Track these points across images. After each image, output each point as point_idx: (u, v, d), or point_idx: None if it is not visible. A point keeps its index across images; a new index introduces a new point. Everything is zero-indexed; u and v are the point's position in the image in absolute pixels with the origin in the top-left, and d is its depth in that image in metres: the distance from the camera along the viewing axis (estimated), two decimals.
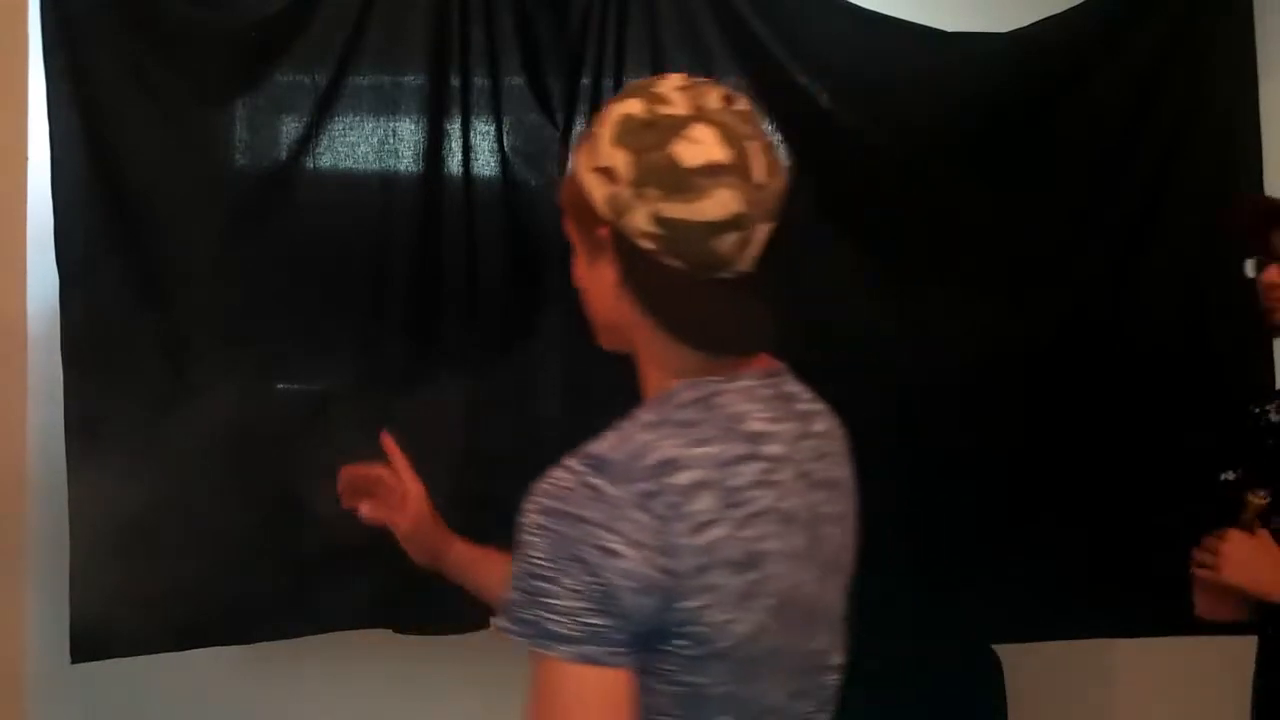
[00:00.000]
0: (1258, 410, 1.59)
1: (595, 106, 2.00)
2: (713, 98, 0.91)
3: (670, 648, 0.85)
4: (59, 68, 1.87)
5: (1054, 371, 2.01)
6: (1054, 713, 2.29)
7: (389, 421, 1.94)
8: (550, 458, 2.10)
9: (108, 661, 1.90)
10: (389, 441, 1.27)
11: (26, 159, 1.86)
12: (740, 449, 0.89)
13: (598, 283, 0.96)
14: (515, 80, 2.00)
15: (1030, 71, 2.02)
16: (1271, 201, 1.48)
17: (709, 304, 0.91)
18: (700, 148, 0.87)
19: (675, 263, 0.89)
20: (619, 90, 1.99)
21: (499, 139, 2.01)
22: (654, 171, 0.87)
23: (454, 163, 2.00)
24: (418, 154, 1.99)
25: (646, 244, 0.89)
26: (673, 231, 0.88)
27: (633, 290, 0.93)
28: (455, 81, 1.98)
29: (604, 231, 0.91)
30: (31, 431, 1.84)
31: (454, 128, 1.99)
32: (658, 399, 0.95)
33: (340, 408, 1.94)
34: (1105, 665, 2.33)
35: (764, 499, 0.89)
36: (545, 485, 0.86)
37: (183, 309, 1.91)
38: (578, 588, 0.81)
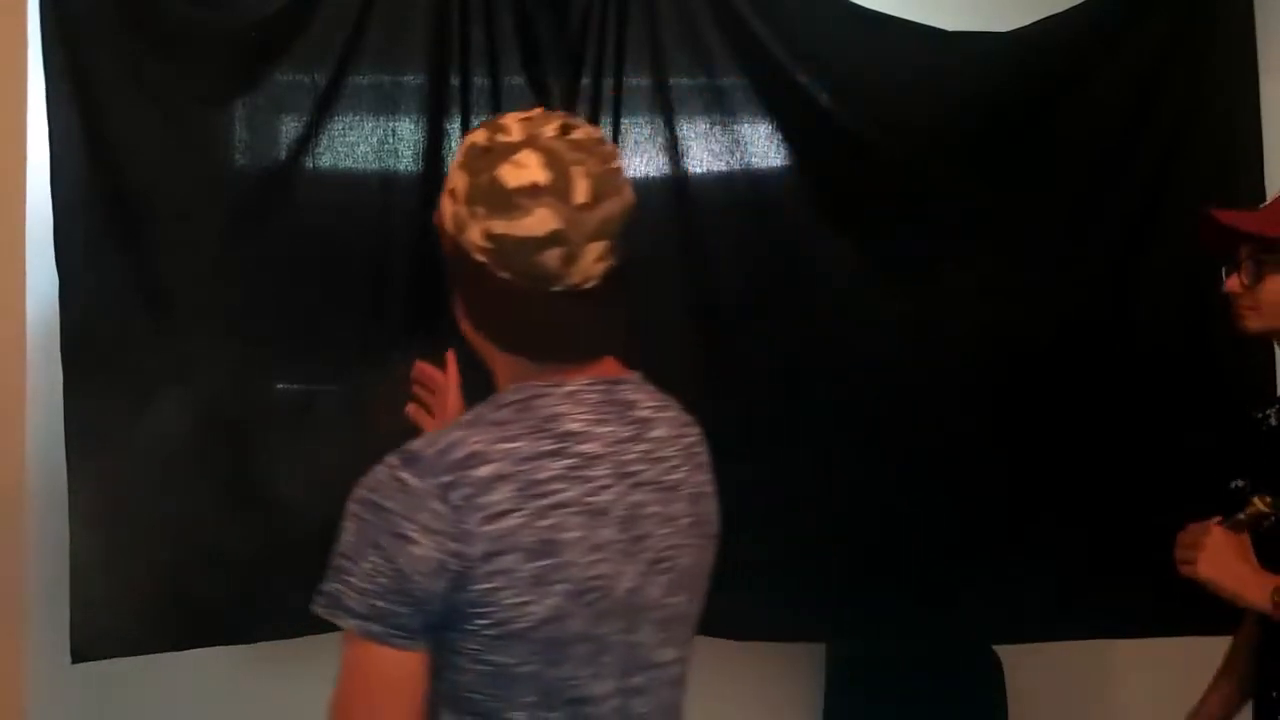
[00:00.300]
0: (1259, 415, 1.58)
1: (595, 106, 2.01)
2: (549, 127, 1.00)
3: (472, 628, 0.93)
4: (58, 67, 1.87)
5: (1054, 371, 2.01)
6: (1054, 713, 2.30)
7: (388, 419, 1.96)
8: None
9: (108, 661, 1.90)
10: (452, 357, 1.31)
11: (26, 159, 1.85)
12: (548, 446, 0.97)
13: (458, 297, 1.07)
14: (515, 80, 2.00)
15: (1031, 71, 2.02)
16: (1232, 218, 1.50)
17: (537, 315, 1.00)
18: (524, 171, 0.96)
19: (506, 275, 0.98)
20: (619, 89, 2.02)
21: None
22: (483, 191, 0.97)
23: None
24: (417, 154, 1.98)
25: (480, 257, 0.98)
26: (500, 246, 0.97)
27: (466, 301, 1.04)
28: (455, 81, 1.98)
29: (451, 246, 1.02)
30: (31, 431, 1.84)
31: (454, 127, 1.99)
32: (485, 401, 1.03)
33: (340, 407, 1.94)
34: (1106, 666, 2.33)
35: (568, 492, 0.96)
36: (365, 478, 0.95)
37: (182, 309, 1.90)
38: (373, 572, 0.90)
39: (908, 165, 2.02)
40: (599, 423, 1.01)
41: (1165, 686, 2.33)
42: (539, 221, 0.96)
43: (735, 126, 2.04)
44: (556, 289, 0.99)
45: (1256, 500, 1.42)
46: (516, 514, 0.93)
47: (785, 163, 2.04)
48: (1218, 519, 1.45)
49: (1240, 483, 1.56)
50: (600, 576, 0.96)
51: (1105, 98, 2.00)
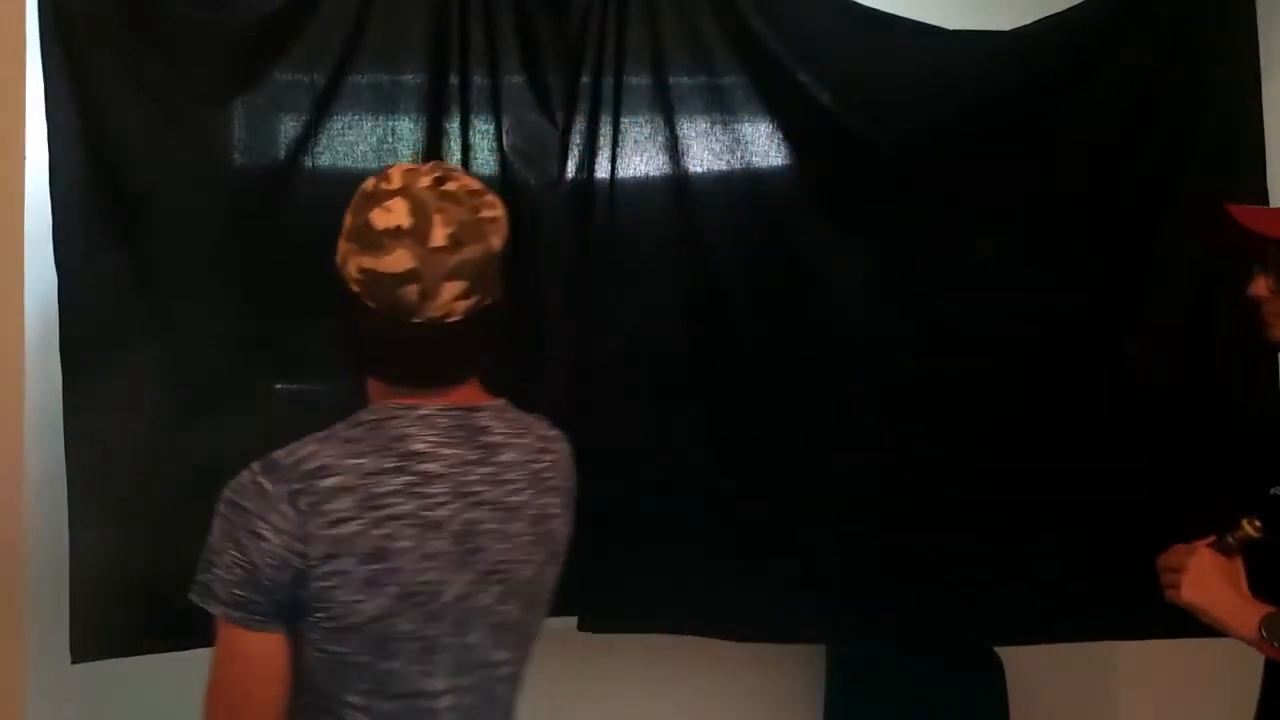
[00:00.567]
0: None
1: (595, 105, 2.00)
2: (426, 178, 1.13)
3: (314, 619, 1.07)
4: (57, 66, 1.86)
5: (1055, 371, 2.01)
6: (1054, 714, 2.29)
7: None
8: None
9: (108, 661, 1.90)
10: None
11: (24, 158, 1.85)
12: (390, 464, 1.10)
13: None
14: (515, 79, 2.00)
15: (1032, 70, 2.01)
16: (1260, 222, 1.42)
17: (399, 343, 1.12)
18: (390, 215, 1.10)
19: (374, 305, 1.10)
20: (619, 88, 2.02)
21: (498, 138, 2.00)
22: (358, 231, 1.12)
23: (453, 162, 1.99)
24: (417, 153, 1.98)
25: (355, 288, 1.11)
26: (368, 279, 1.10)
27: (342, 329, 1.16)
28: (454, 80, 1.98)
29: (337, 277, 1.15)
30: (30, 431, 1.84)
31: (453, 127, 1.99)
32: (346, 419, 1.15)
33: (340, 407, 1.93)
34: (1106, 667, 2.33)
35: (404, 506, 1.09)
36: (232, 480, 1.10)
37: (182, 308, 1.90)
38: (232, 564, 1.05)
39: (908, 164, 2.01)
40: (445, 445, 1.13)
41: (1165, 687, 2.34)
42: (398, 260, 1.08)
43: (736, 125, 2.03)
44: (417, 320, 1.10)
45: (1245, 523, 1.36)
46: (355, 522, 1.06)
47: (786, 162, 2.03)
48: (1208, 540, 1.39)
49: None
50: (429, 582, 1.09)
51: (1107, 97, 2.00)
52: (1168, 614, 1.98)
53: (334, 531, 1.06)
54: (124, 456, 1.82)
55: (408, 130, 1.98)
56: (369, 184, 1.15)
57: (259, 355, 1.91)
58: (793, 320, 2.01)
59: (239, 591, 1.05)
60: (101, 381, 1.89)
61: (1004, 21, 2.02)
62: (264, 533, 1.05)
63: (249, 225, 1.91)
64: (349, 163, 1.98)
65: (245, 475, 1.09)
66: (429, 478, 1.11)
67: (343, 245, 1.13)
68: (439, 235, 1.09)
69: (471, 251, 1.11)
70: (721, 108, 2.02)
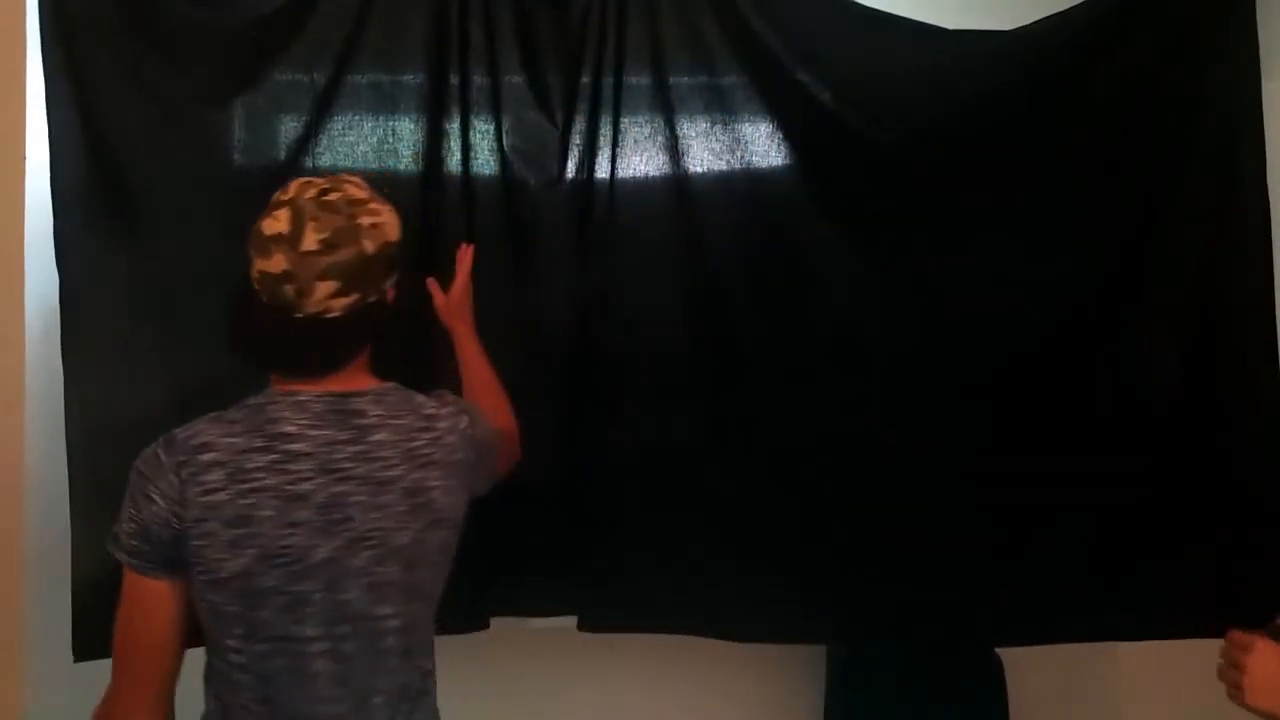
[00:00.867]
0: None
1: (595, 105, 2.00)
2: (312, 190, 1.32)
3: (193, 573, 1.28)
4: (57, 66, 1.87)
5: (1055, 371, 2.01)
6: (1055, 714, 2.29)
7: None
8: (552, 454, 2.10)
9: (108, 661, 1.90)
10: (468, 255, 1.79)
11: (24, 158, 1.85)
12: (259, 443, 1.29)
13: None
14: (515, 79, 2.00)
15: (1032, 70, 2.01)
16: None
17: (283, 335, 1.30)
18: (275, 223, 1.30)
19: (267, 300, 1.30)
20: (619, 88, 2.02)
21: (498, 138, 2.00)
22: (253, 236, 1.32)
23: (453, 162, 1.99)
24: (417, 153, 1.98)
25: (256, 286, 1.30)
26: (259, 279, 1.30)
27: (241, 325, 1.35)
28: (454, 80, 1.98)
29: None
30: (30, 431, 1.84)
31: (453, 127, 1.99)
32: (237, 402, 1.34)
33: None
34: (1107, 667, 2.33)
35: (267, 480, 1.28)
36: (144, 450, 1.31)
37: (182, 308, 1.90)
38: (131, 520, 1.28)
39: (909, 164, 2.01)
40: (315, 427, 1.31)
41: (1165, 688, 2.34)
42: (276, 262, 1.28)
43: (736, 125, 2.03)
44: (300, 315, 1.29)
45: None
46: (223, 492, 1.26)
47: (786, 162, 2.03)
48: (1263, 632, 1.30)
49: None
50: (291, 547, 1.28)
51: (1107, 97, 2.00)
52: (1168, 614, 1.99)
53: (206, 499, 1.26)
54: (125, 455, 1.81)
55: (408, 130, 1.98)
56: (278, 194, 1.34)
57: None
58: (793, 320, 2.01)
59: (134, 543, 1.28)
60: (102, 381, 1.89)
61: (1004, 21, 2.02)
62: (154, 496, 1.27)
63: (249, 225, 1.91)
64: (349, 163, 1.98)
65: (151, 447, 1.30)
66: (294, 455, 1.29)
67: (248, 248, 1.32)
68: (310, 240, 1.28)
69: (343, 254, 1.28)
70: (721, 108, 2.02)
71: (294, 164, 1.96)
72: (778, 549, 1.99)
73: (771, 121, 2.03)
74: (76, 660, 1.88)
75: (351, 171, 1.98)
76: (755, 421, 2.01)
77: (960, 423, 2.00)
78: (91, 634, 1.88)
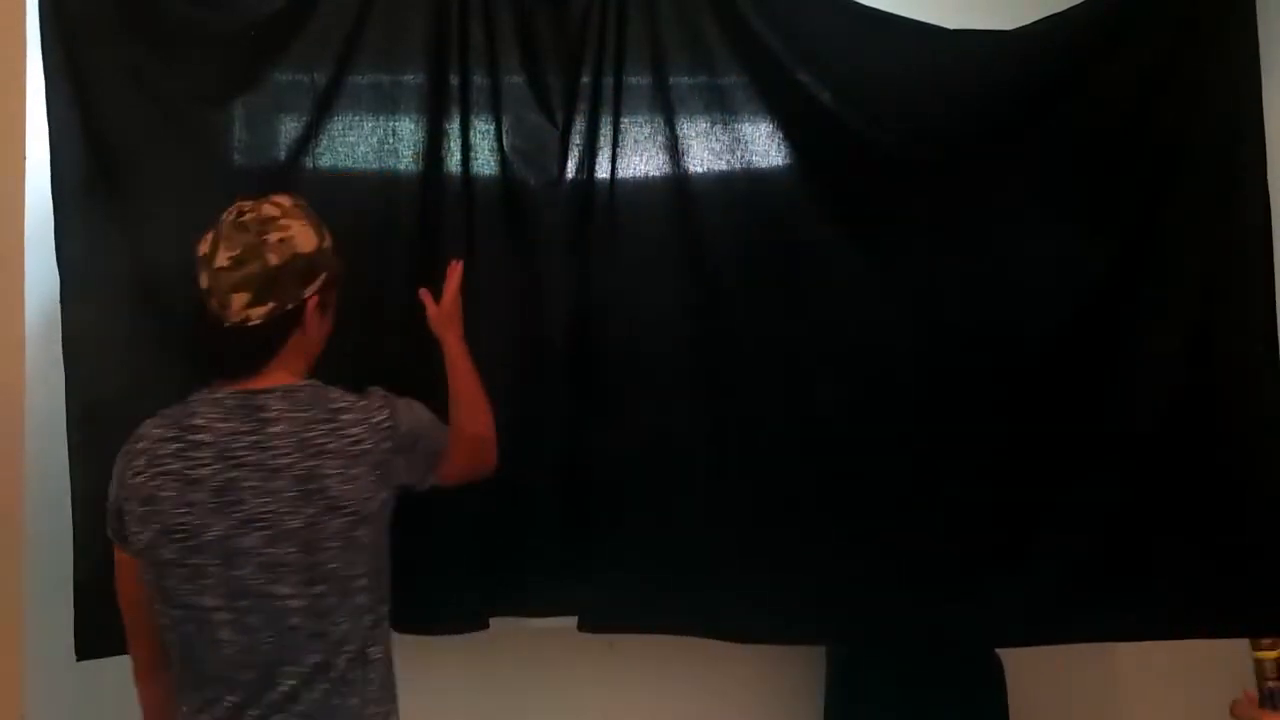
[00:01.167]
0: None
1: (595, 105, 2.00)
2: (232, 213, 1.49)
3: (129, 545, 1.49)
4: (57, 66, 1.87)
5: (1056, 371, 2.00)
6: (1055, 715, 2.29)
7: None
8: (552, 454, 2.10)
9: (107, 661, 1.90)
10: (457, 270, 1.84)
11: (24, 157, 1.85)
12: (172, 434, 1.46)
13: None
14: (515, 79, 2.00)
15: (1033, 70, 2.01)
16: None
17: (214, 342, 1.47)
18: (201, 245, 1.49)
19: (207, 313, 1.47)
20: (619, 88, 2.02)
21: (498, 138, 2.00)
22: (197, 255, 1.50)
23: (453, 162, 2.00)
24: (417, 153, 1.98)
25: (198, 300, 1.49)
26: (197, 294, 1.48)
27: (192, 335, 1.53)
28: (454, 80, 1.98)
29: None
30: (30, 431, 1.84)
31: (453, 127, 1.99)
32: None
33: None
34: (1106, 667, 2.33)
35: (172, 465, 1.43)
36: None
37: (183, 308, 1.90)
38: (107, 497, 1.52)
39: (909, 164, 2.01)
40: (221, 420, 1.45)
41: (1165, 689, 2.34)
42: (202, 280, 1.47)
43: (736, 125, 2.04)
44: (227, 325, 1.45)
45: (1259, 653, 1.20)
46: (141, 475, 1.44)
47: (786, 161, 2.04)
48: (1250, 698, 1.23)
49: None
50: (186, 524, 1.42)
51: (1108, 97, 2.00)
52: (1168, 614, 1.99)
53: (131, 481, 1.45)
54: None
55: (408, 130, 1.99)
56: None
57: None
58: (793, 320, 2.01)
59: (109, 516, 1.52)
60: (103, 379, 1.89)
61: (1004, 21, 2.02)
62: (114, 477, 1.50)
63: None
64: (350, 163, 1.99)
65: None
66: (197, 444, 1.44)
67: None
68: (222, 258, 1.45)
69: (250, 269, 1.44)
70: (721, 108, 2.02)
71: (294, 164, 1.97)
72: (778, 549, 1.99)
73: (771, 121, 2.03)
74: (79, 659, 1.88)
75: (352, 171, 2.00)
76: (755, 421, 2.01)
77: (960, 423, 2.00)
78: (93, 633, 1.88)
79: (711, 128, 2.03)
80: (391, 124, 1.98)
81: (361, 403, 1.49)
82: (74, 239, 1.89)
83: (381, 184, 1.99)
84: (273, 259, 1.44)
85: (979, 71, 2.01)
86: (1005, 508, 2.00)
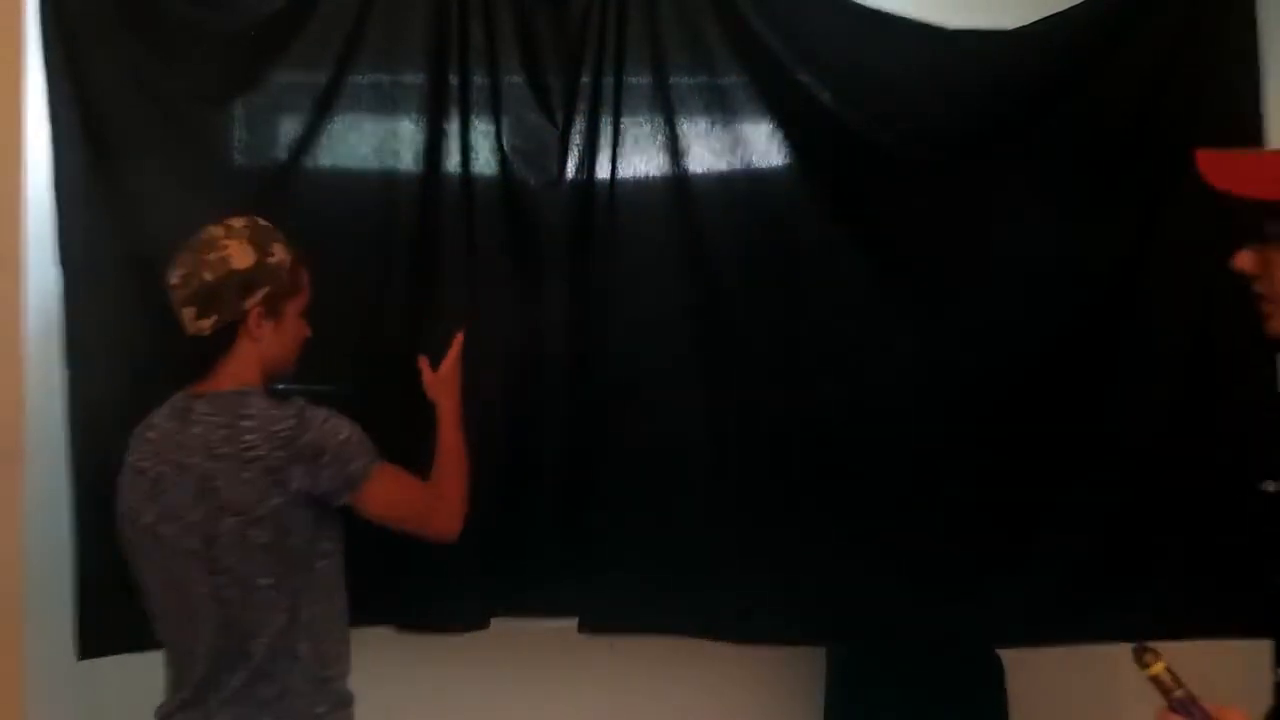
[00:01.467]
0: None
1: (595, 105, 2.00)
2: (194, 238, 1.61)
3: None
4: (58, 67, 1.87)
5: (1057, 372, 2.00)
6: (1055, 715, 2.29)
7: (388, 421, 1.96)
8: (551, 453, 2.10)
9: (107, 661, 1.90)
10: (459, 340, 1.89)
11: (24, 158, 1.85)
12: (139, 431, 1.62)
13: None
14: (515, 79, 2.00)
15: (1033, 70, 2.01)
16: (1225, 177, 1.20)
17: (178, 349, 1.61)
18: (166, 268, 1.61)
19: None
20: (619, 88, 2.02)
21: (498, 138, 2.00)
22: None
23: (453, 162, 1.99)
24: (417, 153, 1.98)
25: None
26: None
27: None
28: (454, 80, 1.98)
29: None
30: (30, 431, 1.84)
31: (453, 127, 1.99)
32: None
33: (340, 408, 1.94)
34: (1107, 667, 2.32)
35: (130, 459, 1.61)
36: None
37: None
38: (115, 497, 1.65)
39: (909, 164, 2.01)
40: (167, 420, 1.59)
41: None
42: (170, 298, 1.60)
43: (736, 125, 2.03)
44: (190, 335, 1.58)
45: (1147, 656, 1.14)
46: (121, 468, 1.62)
47: (786, 162, 2.03)
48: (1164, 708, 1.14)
49: (1272, 485, 1.40)
50: (131, 510, 1.58)
51: (1108, 96, 1.99)
52: (1168, 615, 1.99)
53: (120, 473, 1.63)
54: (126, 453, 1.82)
55: (408, 130, 1.99)
56: None
57: None
58: (793, 320, 2.01)
59: None
60: (104, 379, 1.89)
61: (1004, 21, 2.02)
62: None
63: None
64: (350, 163, 1.99)
65: None
66: (145, 440, 1.59)
67: None
68: (175, 277, 1.58)
69: (192, 285, 1.56)
70: (721, 108, 2.02)
71: (294, 164, 1.97)
72: (778, 550, 1.99)
73: (771, 121, 2.03)
74: (81, 658, 1.88)
75: (352, 171, 2.00)
76: (755, 421, 2.01)
77: (960, 422, 2.00)
78: (95, 633, 1.89)
79: (711, 128, 2.03)
80: (391, 124, 1.98)
81: (272, 412, 1.56)
82: (74, 239, 1.89)
83: (381, 184, 1.99)
84: (208, 276, 1.56)
85: (979, 71, 2.01)
86: (1005, 508, 1.99)
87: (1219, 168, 1.25)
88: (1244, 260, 1.21)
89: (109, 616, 1.90)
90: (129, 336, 1.90)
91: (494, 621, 2.02)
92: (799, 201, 2.02)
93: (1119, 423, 1.99)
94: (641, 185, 2.02)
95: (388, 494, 1.65)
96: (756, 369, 2.01)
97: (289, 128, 1.98)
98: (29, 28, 1.87)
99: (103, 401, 1.89)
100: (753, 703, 2.32)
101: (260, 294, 1.59)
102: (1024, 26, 2.01)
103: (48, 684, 1.90)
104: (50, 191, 1.88)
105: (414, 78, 1.97)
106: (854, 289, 2.02)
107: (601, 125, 2.00)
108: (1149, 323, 2.00)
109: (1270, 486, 1.41)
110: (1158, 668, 1.14)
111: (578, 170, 2.01)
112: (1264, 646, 1.60)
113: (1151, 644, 1.15)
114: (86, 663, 1.90)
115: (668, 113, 2.02)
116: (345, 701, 1.65)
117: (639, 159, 2.02)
